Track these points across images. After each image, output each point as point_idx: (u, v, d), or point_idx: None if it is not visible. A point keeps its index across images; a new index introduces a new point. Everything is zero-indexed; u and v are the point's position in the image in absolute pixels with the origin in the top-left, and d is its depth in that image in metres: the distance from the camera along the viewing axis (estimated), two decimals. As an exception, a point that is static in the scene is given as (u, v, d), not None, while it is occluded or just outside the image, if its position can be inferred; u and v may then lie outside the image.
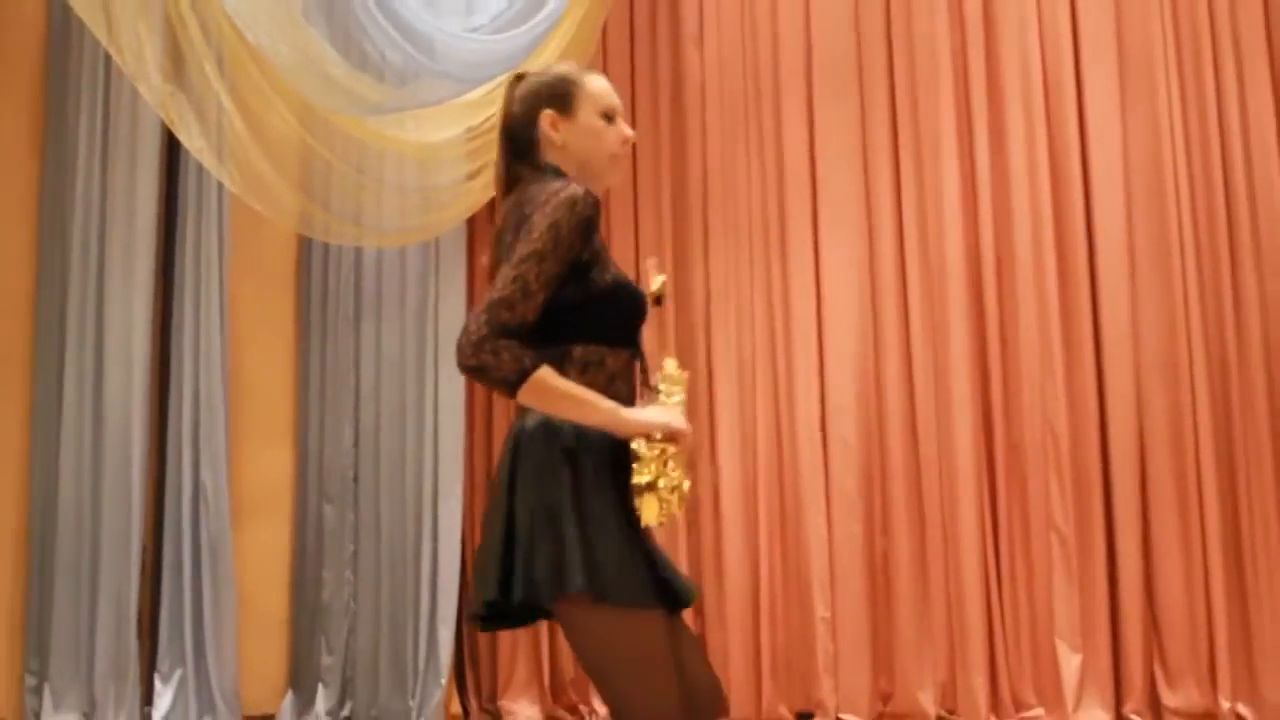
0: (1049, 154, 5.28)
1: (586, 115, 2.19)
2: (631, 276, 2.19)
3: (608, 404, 1.96)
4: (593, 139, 2.19)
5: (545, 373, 1.93)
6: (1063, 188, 5.25)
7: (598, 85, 2.24)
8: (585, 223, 1.99)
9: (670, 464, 1.95)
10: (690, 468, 2.01)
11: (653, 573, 1.97)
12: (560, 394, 1.94)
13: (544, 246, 1.97)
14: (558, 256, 1.97)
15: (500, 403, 6.15)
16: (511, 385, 1.93)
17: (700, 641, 2.22)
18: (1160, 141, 5.12)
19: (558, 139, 2.17)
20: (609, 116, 2.22)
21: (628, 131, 2.24)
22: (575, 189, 2.02)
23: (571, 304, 2.01)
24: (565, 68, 2.28)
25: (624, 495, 1.95)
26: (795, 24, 5.77)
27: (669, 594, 2.00)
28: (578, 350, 2.02)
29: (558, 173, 2.15)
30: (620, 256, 5.90)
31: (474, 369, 1.93)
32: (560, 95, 2.19)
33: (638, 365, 2.13)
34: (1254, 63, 5.03)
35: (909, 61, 5.56)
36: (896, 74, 5.58)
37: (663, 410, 2.00)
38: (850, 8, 5.68)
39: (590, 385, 1.99)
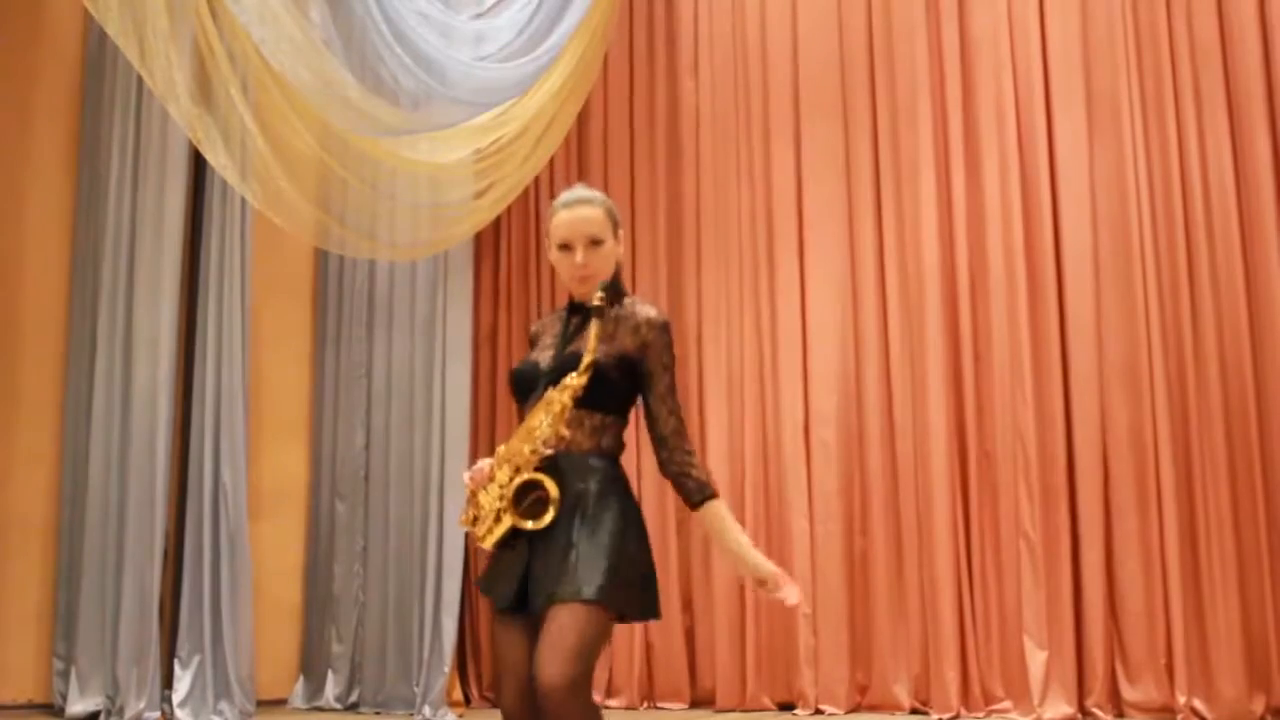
0: (1021, 181, 5.44)
1: (552, 248, 2.55)
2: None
3: None
4: (559, 267, 2.56)
5: None
6: (1033, 213, 5.41)
7: (555, 221, 2.54)
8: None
9: (479, 500, 2.48)
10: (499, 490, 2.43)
11: (494, 577, 2.43)
12: None
13: None
14: None
15: (503, 409, 6.36)
16: None
17: (548, 637, 2.29)
18: (1124, 171, 5.27)
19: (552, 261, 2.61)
20: (564, 247, 2.52)
21: (577, 259, 2.49)
22: None
23: None
24: (558, 200, 2.58)
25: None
26: (784, 57, 5.99)
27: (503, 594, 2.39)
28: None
29: None
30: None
31: None
32: (548, 228, 2.58)
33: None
34: (1212, 102, 5.17)
35: (890, 93, 5.76)
36: (879, 105, 5.78)
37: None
38: (835, 42, 5.89)
39: None
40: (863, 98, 5.81)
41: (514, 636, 2.37)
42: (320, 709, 5.86)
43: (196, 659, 5.26)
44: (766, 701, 5.57)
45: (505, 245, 6.49)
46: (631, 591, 2.38)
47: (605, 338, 2.45)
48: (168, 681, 5.27)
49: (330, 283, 6.27)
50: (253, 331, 5.67)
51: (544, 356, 2.53)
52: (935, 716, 5.21)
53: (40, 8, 5.77)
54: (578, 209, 2.52)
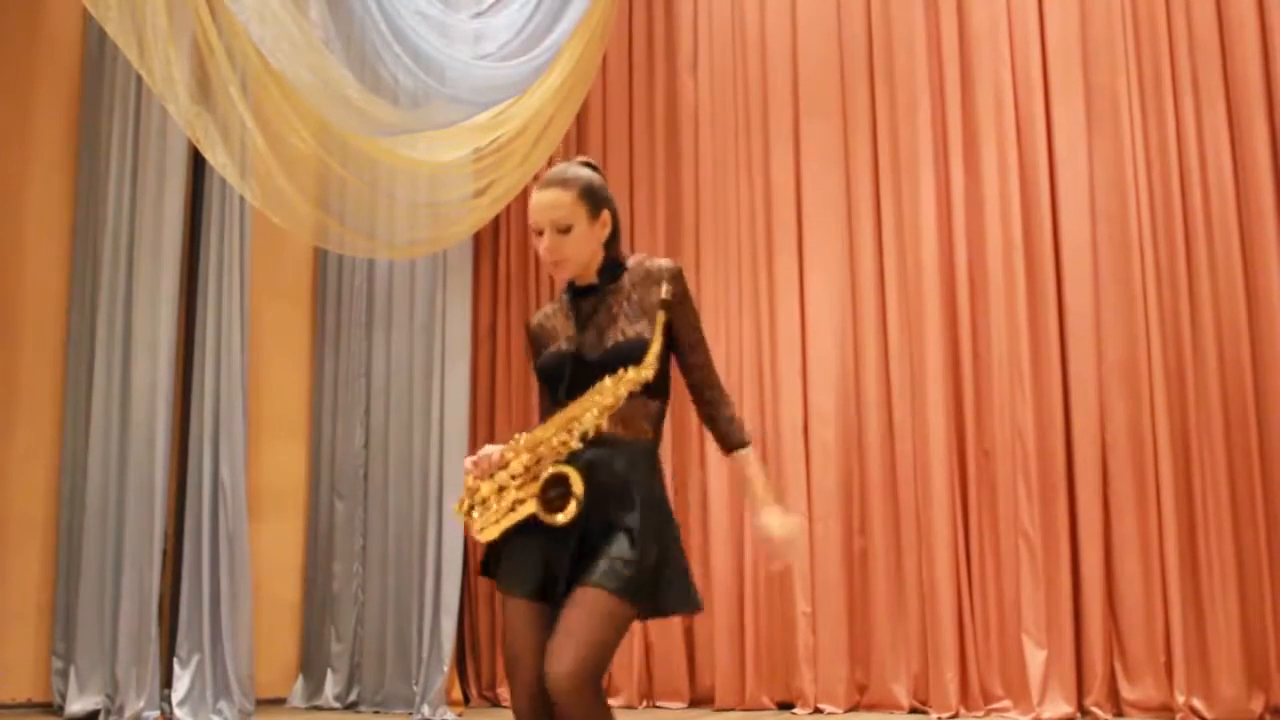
0: (1020, 178, 5.44)
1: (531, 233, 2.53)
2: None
3: None
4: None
5: None
6: (1032, 210, 5.41)
7: (530, 203, 2.48)
8: (526, 342, 2.63)
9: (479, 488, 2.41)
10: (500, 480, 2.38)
11: (511, 563, 2.36)
12: None
13: None
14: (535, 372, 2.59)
15: (502, 408, 6.37)
16: None
17: (565, 623, 2.24)
18: (1123, 166, 5.27)
19: None
20: (536, 231, 2.47)
21: (543, 246, 2.45)
22: None
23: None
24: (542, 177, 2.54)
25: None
26: (783, 55, 6.00)
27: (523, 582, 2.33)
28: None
29: None
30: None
31: None
32: None
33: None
34: (1211, 96, 5.17)
35: (889, 90, 5.76)
36: (878, 101, 5.79)
37: None
38: (834, 39, 5.90)
39: None
40: (862, 94, 5.82)
41: (528, 628, 2.30)
42: (319, 708, 5.86)
43: (196, 658, 5.26)
44: (765, 701, 5.57)
45: (504, 244, 6.49)
46: (666, 586, 2.34)
47: (634, 315, 2.42)
48: (167, 680, 5.26)
49: (329, 282, 6.27)
50: (252, 330, 5.67)
51: (569, 346, 2.45)
52: (934, 716, 5.20)
53: (39, 7, 5.78)
54: (548, 192, 2.45)
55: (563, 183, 2.45)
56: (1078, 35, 5.43)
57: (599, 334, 2.42)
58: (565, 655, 2.17)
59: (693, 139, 6.15)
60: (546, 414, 2.44)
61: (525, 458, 2.35)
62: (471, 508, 2.40)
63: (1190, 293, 5.12)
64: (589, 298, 2.48)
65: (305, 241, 5.78)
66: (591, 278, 2.48)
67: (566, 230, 2.42)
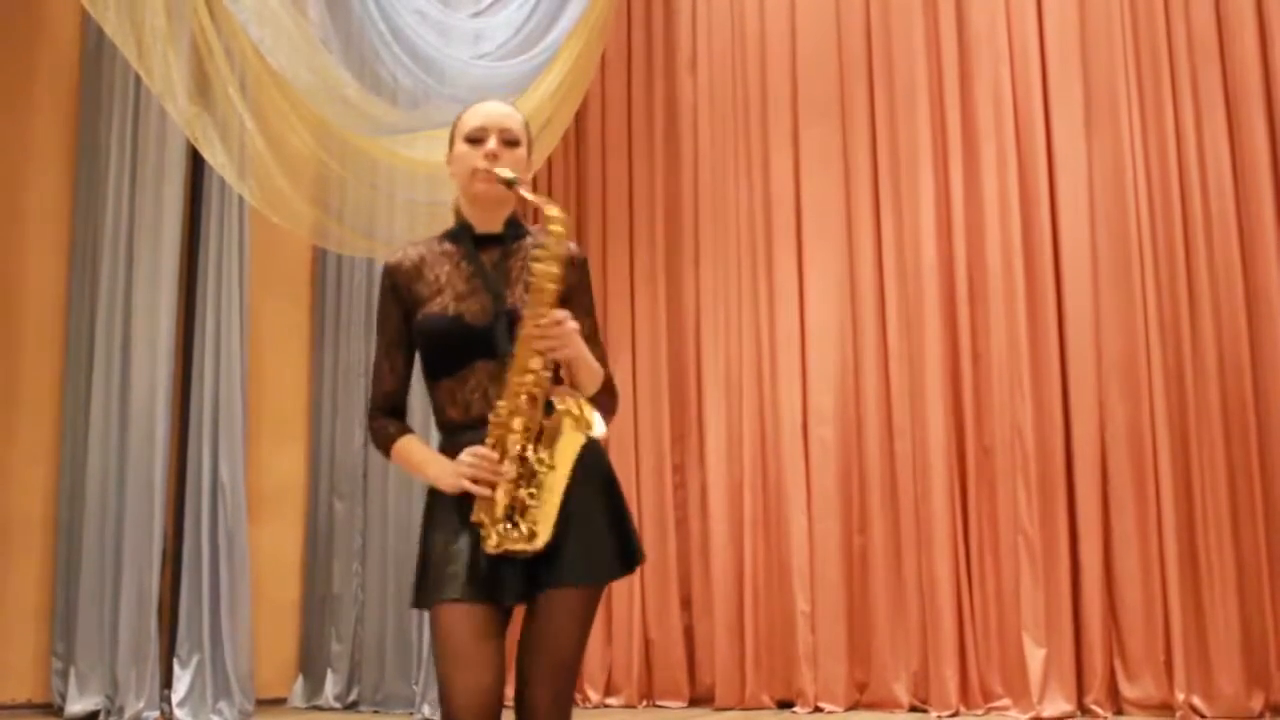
0: (1019, 176, 5.45)
1: (457, 145, 2.28)
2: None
3: (427, 470, 2.26)
4: (460, 164, 2.27)
5: (398, 447, 2.32)
6: (1031, 208, 5.42)
7: (469, 112, 2.30)
8: (384, 293, 2.30)
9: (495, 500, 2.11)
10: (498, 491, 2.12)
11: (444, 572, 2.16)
12: (403, 463, 2.34)
13: (376, 324, 2.34)
14: (379, 328, 2.33)
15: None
16: (386, 457, 2.37)
17: (545, 646, 2.14)
18: (1122, 166, 5.28)
19: (451, 174, 2.33)
20: (474, 139, 2.26)
21: (488, 146, 2.24)
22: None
23: (420, 354, 2.28)
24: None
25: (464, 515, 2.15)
26: (782, 54, 6.00)
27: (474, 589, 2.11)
28: (434, 392, 2.27)
29: (455, 218, 2.33)
30: (615, 270, 6.14)
31: (371, 443, 2.31)
32: (450, 136, 2.33)
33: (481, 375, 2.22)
34: (1210, 97, 5.19)
35: (888, 90, 5.77)
36: (877, 102, 5.79)
37: (441, 472, 2.21)
38: (834, 39, 5.91)
39: (437, 420, 2.26)
40: (861, 94, 5.83)
41: (485, 647, 2.10)
42: (319, 708, 5.85)
43: (195, 658, 5.25)
44: (765, 699, 5.57)
45: (503, 244, 6.47)
46: (632, 551, 2.24)
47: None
48: (167, 681, 5.26)
49: (329, 281, 6.26)
50: (251, 330, 5.66)
51: (466, 308, 2.22)
52: (934, 714, 5.21)
53: (38, 6, 5.76)
54: (500, 104, 2.32)
55: (512, 106, 2.36)
56: (1076, 35, 5.44)
57: (497, 293, 2.23)
58: (550, 689, 2.12)
59: (692, 139, 6.15)
60: (437, 383, 2.25)
61: (518, 422, 2.14)
62: (512, 524, 2.12)
63: (1190, 293, 5.13)
64: (490, 249, 2.29)
65: (304, 241, 5.76)
66: (497, 226, 2.31)
67: (513, 144, 2.27)
